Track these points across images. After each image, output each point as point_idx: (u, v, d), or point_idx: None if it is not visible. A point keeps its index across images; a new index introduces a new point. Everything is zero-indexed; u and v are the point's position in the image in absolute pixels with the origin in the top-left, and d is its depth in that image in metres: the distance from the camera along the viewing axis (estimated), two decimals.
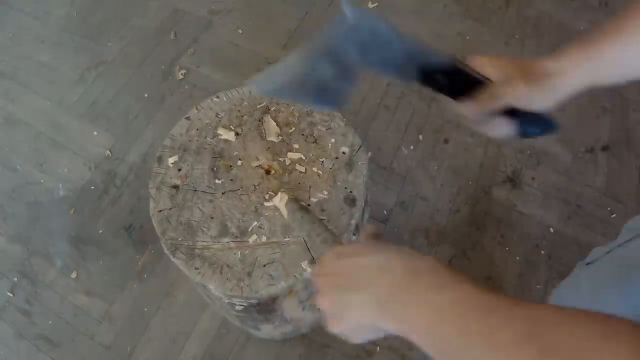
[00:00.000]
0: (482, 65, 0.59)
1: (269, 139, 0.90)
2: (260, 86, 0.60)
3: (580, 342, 0.37)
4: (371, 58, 0.58)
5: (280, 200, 0.81)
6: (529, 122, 0.61)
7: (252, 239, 0.81)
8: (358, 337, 0.52)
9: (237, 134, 0.91)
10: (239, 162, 0.88)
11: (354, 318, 0.50)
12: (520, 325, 0.41)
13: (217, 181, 0.86)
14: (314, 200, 0.83)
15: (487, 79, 0.59)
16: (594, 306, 0.83)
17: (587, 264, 0.99)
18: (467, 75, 0.59)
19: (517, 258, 1.43)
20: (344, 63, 0.58)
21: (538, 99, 0.58)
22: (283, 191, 0.84)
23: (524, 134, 0.61)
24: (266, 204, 0.83)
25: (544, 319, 0.41)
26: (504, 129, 0.61)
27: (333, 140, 0.90)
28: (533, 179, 1.51)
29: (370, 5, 1.88)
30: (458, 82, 0.59)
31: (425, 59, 0.58)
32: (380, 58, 0.58)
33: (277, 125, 0.92)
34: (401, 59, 0.58)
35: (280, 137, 0.90)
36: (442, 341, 0.43)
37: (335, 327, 0.51)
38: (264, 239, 0.80)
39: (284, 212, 0.80)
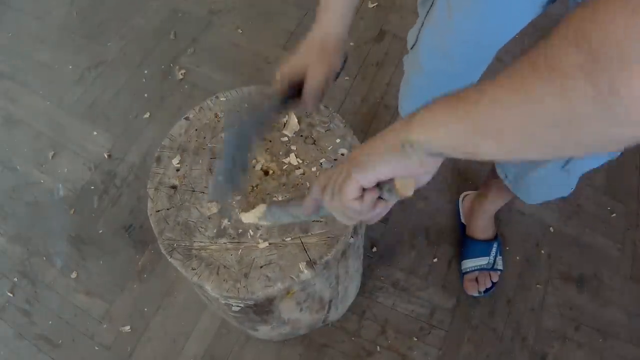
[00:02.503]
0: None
1: (284, 132, 0.90)
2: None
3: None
4: None
5: (254, 216, 0.80)
6: None
7: (250, 240, 0.81)
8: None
9: None
10: None
11: (379, 160, 0.52)
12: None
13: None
14: None
15: None
16: None
17: None
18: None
19: (517, 258, 1.43)
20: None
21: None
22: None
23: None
24: (244, 219, 0.83)
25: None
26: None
27: (332, 141, 0.90)
28: None
29: (370, 5, 1.88)
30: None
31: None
32: None
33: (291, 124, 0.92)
34: None
35: (294, 135, 0.90)
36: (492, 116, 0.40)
37: (364, 176, 0.52)
38: (261, 240, 0.80)
39: (258, 219, 0.80)
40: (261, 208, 0.76)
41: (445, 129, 0.46)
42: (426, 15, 0.98)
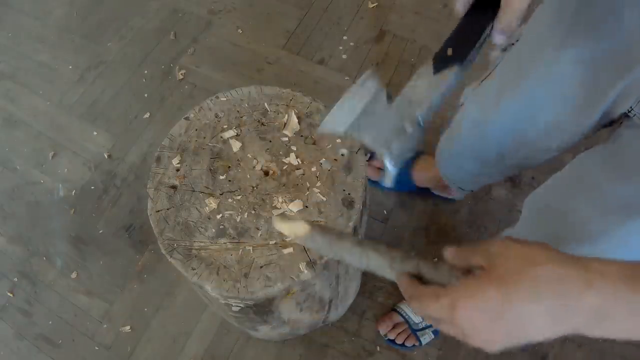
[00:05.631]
0: None
1: (284, 132, 0.90)
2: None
3: None
4: None
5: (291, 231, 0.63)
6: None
7: (250, 240, 0.81)
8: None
9: (236, 134, 0.91)
10: (238, 163, 0.88)
11: (530, 337, 0.43)
12: None
13: (215, 182, 0.86)
14: (311, 202, 0.83)
15: None
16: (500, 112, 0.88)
17: (461, 105, 1.01)
18: None
19: None
20: None
21: None
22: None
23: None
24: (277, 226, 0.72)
25: None
26: None
27: (332, 141, 0.90)
28: (533, 178, 1.51)
29: (370, 6, 1.88)
30: None
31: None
32: None
33: (283, 125, 0.92)
34: None
35: (294, 135, 0.90)
36: None
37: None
38: (261, 240, 0.80)
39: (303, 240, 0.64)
40: (302, 227, 0.59)
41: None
42: (482, 81, 0.98)
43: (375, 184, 1.48)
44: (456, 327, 0.46)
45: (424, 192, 1.46)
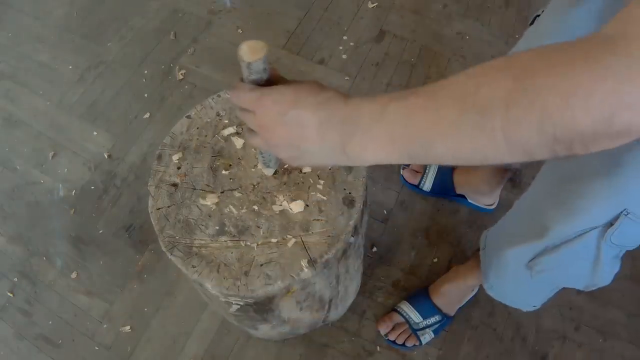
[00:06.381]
0: None
1: None
2: None
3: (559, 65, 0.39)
4: None
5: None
6: None
7: (250, 238, 0.81)
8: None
9: (237, 133, 0.91)
10: (239, 161, 0.88)
11: (314, 164, 0.60)
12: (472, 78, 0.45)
13: (216, 180, 0.86)
14: (312, 201, 0.83)
15: None
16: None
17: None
18: None
19: None
20: None
21: None
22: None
23: None
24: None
25: (511, 60, 0.43)
26: None
27: None
28: (533, 178, 1.51)
29: (370, 6, 1.88)
30: None
31: None
32: None
33: None
34: None
35: None
36: (422, 141, 0.48)
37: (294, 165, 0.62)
38: (261, 238, 0.80)
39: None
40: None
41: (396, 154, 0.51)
42: None
43: (413, 187, 1.50)
44: (256, 118, 0.59)
45: (460, 200, 1.47)
